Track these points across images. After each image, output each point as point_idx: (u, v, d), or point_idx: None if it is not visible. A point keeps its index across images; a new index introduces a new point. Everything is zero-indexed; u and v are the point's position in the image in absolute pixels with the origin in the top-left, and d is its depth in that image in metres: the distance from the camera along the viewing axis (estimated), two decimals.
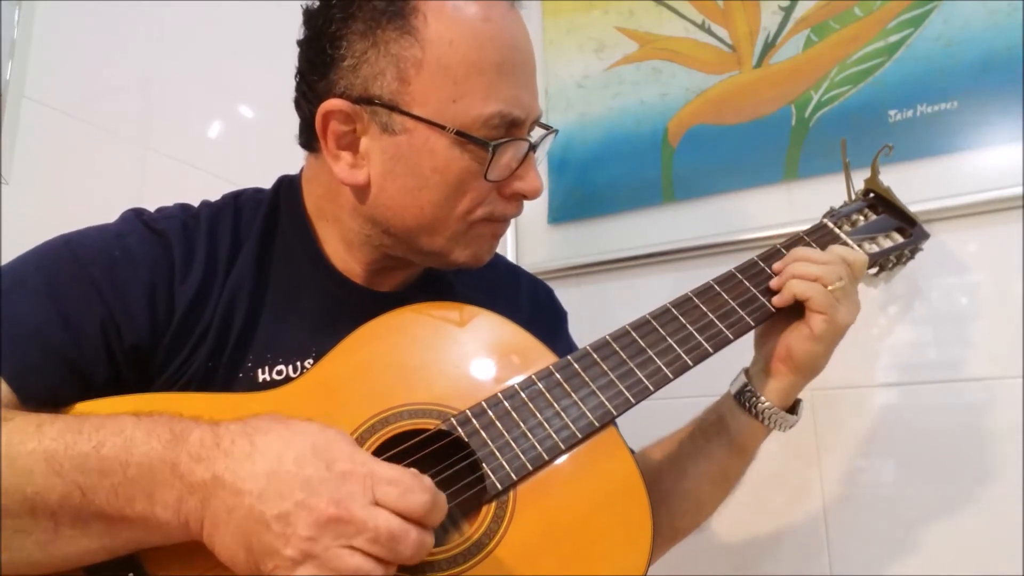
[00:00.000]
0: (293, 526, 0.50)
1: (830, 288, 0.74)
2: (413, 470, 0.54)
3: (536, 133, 0.74)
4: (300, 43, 0.73)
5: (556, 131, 0.77)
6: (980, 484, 1.03)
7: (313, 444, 0.53)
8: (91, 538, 0.52)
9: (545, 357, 0.71)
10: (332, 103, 0.68)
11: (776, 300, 0.76)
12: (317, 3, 0.71)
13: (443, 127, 0.67)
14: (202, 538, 0.52)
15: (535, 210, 1.45)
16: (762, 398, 0.78)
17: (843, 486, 1.12)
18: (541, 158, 0.76)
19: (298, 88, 0.74)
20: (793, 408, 0.80)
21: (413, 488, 0.53)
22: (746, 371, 0.81)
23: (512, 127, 0.70)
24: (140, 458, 0.52)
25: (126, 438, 0.53)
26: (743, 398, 0.79)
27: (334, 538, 0.50)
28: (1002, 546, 0.99)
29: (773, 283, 0.77)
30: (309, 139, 0.74)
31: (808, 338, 0.75)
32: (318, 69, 0.70)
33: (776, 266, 0.78)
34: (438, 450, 0.64)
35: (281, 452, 0.52)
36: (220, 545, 0.52)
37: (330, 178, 0.73)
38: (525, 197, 0.73)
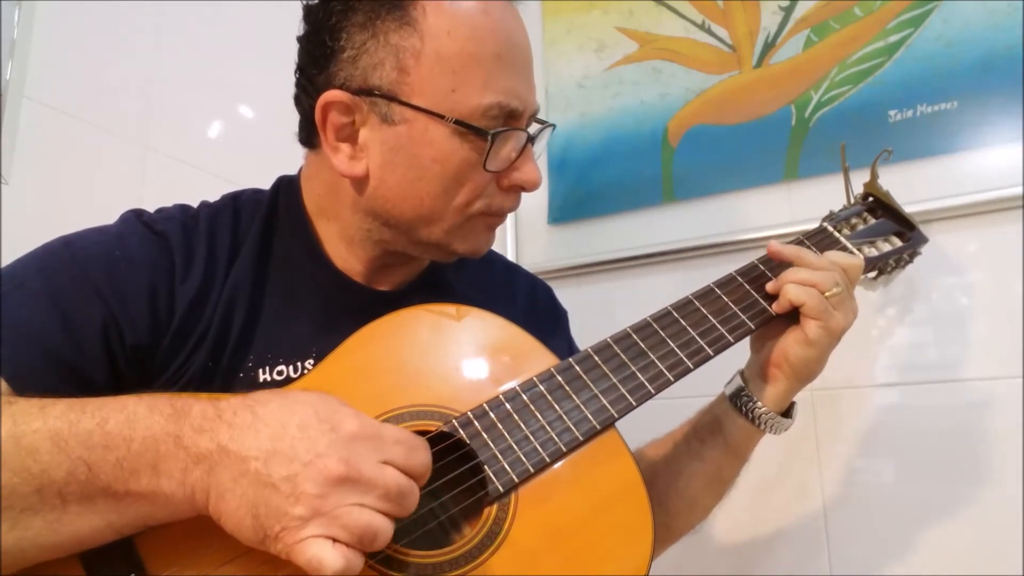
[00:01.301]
0: (301, 486, 0.50)
1: (827, 294, 0.74)
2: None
3: (533, 128, 0.74)
4: (300, 39, 0.73)
5: (554, 126, 0.77)
6: (980, 484, 1.03)
7: (315, 411, 0.53)
8: (98, 515, 0.52)
9: (546, 359, 0.71)
10: (332, 94, 0.69)
11: (775, 306, 0.76)
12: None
13: (442, 117, 0.67)
14: (208, 510, 0.52)
15: (535, 210, 1.46)
16: (758, 402, 0.78)
17: (843, 486, 1.13)
18: (539, 153, 0.76)
19: (298, 84, 0.74)
20: (788, 412, 0.80)
21: (418, 447, 0.54)
22: (741, 373, 0.81)
23: (510, 118, 0.70)
24: (144, 432, 0.52)
25: (129, 413, 0.53)
26: (739, 401, 0.79)
27: (344, 495, 0.50)
28: (1002, 546, 1.00)
29: (769, 286, 0.77)
30: (309, 135, 0.74)
31: (803, 343, 0.75)
32: (318, 62, 0.71)
33: (780, 252, 0.78)
34: (440, 452, 0.64)
35: (284, 420, 0.53)
36: (226, 514, 0.51)
37: (330, 174, 0.73)
38: (524, 189, 0.74)
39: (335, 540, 0.50)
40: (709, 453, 0.81)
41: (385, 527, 0.51)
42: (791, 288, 0.75)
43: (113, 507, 0.52)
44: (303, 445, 0.51)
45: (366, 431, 0.53)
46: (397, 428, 0.55)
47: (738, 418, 0.79)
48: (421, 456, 0.54)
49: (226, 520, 0.52)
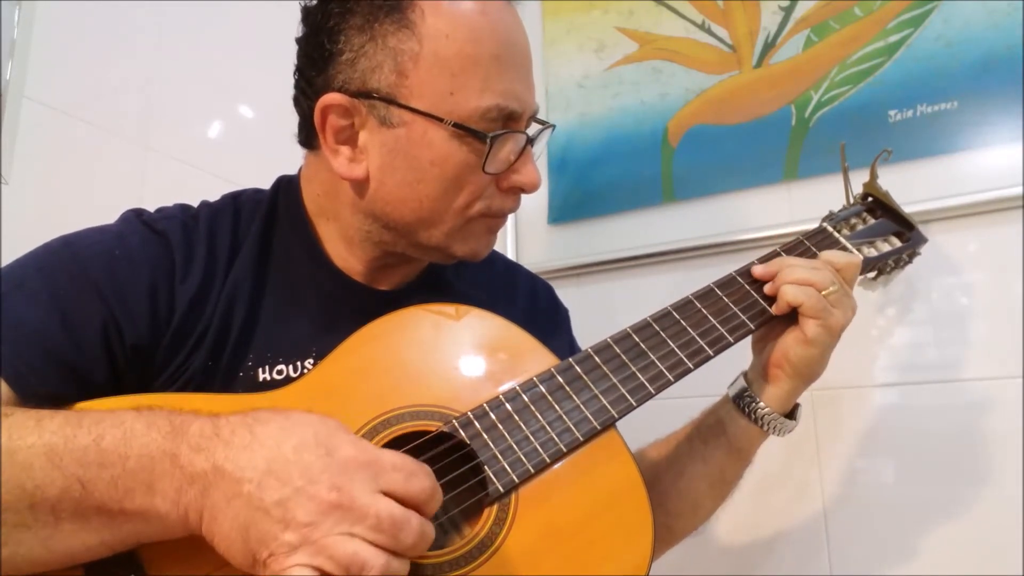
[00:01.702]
0: (292, 512, 0.49)
1: (824, 293, 0.74)
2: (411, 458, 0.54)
3: (533, 128, 0.74)
4: (299, 40, 0.73)
5: (553, 126, 0.77)
6: (980, 484, 1.03)
7: (315, 433, 0.53)
8: (91, 532, 0.52)
9: (546, 359, 0.71)
10: (330, 97, 0.69)
11: (774, 308, 0.76)
12: (315, 1, 0.72)
13: (441, 119, 0.67)
14: (201, 531, 0.52)
15: (535, 210, 1.46)
16: (761, 403, 0.77)
17: (843, 486, 1.12)
18: (539, 153, 0.76)
19: (297, 85, 0.74)
20: (792, 413, 0.79)
21: (417, 473, 0.52)
22: (745, 375, 0.81)
23: (509, 120, 0.70)
24: (140, 450, 0.52)
25: (126, 430, 0.53)
26: (742, 403, 0.79)
27: (334, 524, 0.49)
28: (1002, 546, 0.99)
29: (767, 288, 0.77)
30: (308, 136, 0.75)
31: (803, 342, 0.74)
32: (316, 64, 0.70)
33: (764, 270, 0.77)
34: (440, 452, 0.64)
35: (281, 441, 0.52)
36: (218, 535, 0.51)
37: (329, 175, 0.73)
38: (523, 190, 0.74)
39: (321, 571, 0.48)
40: (712, 454, 0.81)
41: (374, 560, 0.49)
42: (788, 289, 0.74)
43: (106, 524, 0.52)
44: (297, 469, 0.50)
45: (362, 457, 0.52)
46: (396, 453, 0.53)
47: (741, 419, 0.79)
48: (420, 482, 0.52)
49: (218, 542, 0.51)
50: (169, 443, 0.52)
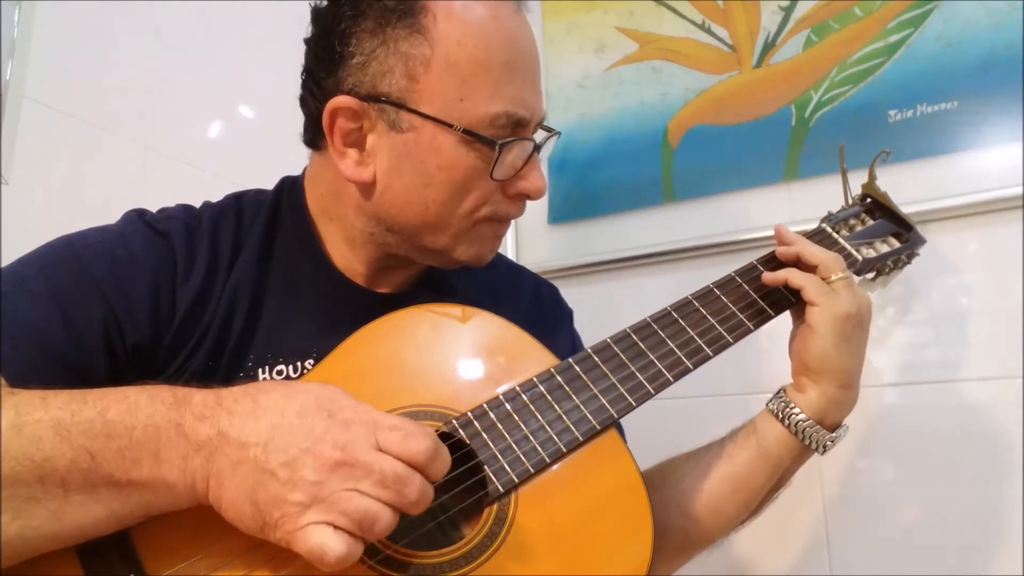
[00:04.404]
0: (300, 472, 0.50)
1: (834, 278, 0.74)
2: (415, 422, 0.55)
3: (539, 135, 0.74)
4: (308, 41, 0.73)
5: (559, 133, 0.77)
6: (980, 484, 1.03)
7: (316, 397, 0.54)
8: (100, 504, 0.52)
9: (546, 359, 0.71)
10: (340, 100, 0.69)
11: (765, 277, 0.76)
12: (326, 2, 0.72)
13: (450, 125, 0.68)
14: (208, 499, 0.52)
15: (535, 210, 1.46)
16: (795, 408, 0.74)
17: (843, 486, 1.13)
18: (542, 159, 0.76)
19: (304, 86, 0.74)
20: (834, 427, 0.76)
21: (415, 434, 0.54)
22: (784, 388, 0.78)
23: (518, 127, 0.70)
24: (145, 420, 0.52)
25: (130, 403, 0.53)
26: (777, 409, 0.75)
27: (341, 481, 0.50)
28: (1002, 546, 1.00)
29: (779, 251, 0.78)
30: (314, 137, 0.74)
31: (809, 334, 0.73)
32: (326, 66, 0.70)
33: (784, 250, 0.79)
34: None
35: (284, 407, 0.53)
36: (226, 502, 0.52)
37: (334, 176, 0.73)
38: (529, 197, 0.74)
39: (335, 526, 0.50)
40: (739, 454, 0.77)
41: (383, 514, 0.50)
42: (792, 273, 0.75)
43: (115, 496, 0.52)
44: (301, 432, 0.52)
45: (363, 417, 0.53)
46: (395, 416, 0.55)
47: (775, 423, 0.75)
48: (418, 443, 0.53)
49: (226, 508, 0.52)
50: (173, 413, 0.53)
